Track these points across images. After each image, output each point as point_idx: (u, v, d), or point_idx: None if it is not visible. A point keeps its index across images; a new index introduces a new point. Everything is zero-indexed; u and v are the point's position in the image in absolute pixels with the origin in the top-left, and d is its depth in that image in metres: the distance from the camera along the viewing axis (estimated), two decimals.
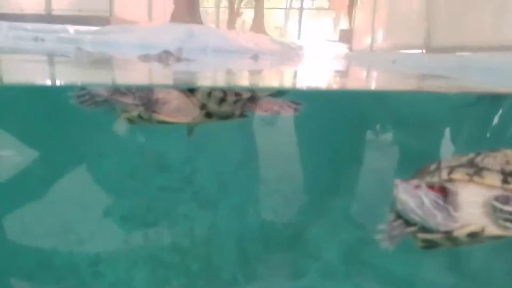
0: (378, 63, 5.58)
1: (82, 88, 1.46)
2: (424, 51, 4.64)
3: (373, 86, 3.03)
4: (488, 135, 2.53)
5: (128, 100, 1.44)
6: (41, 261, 2.53)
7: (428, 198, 1.28)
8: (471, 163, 1.36)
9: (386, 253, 2.42)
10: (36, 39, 3.82)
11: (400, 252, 2.46)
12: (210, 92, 1.47)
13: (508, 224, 1.26)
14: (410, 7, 5.87)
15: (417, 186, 1.29)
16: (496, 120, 2.49)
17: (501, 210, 1.26)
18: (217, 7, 13.30)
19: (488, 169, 1.33)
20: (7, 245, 2.44)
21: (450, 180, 1.34)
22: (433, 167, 1.46)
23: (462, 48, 3.79)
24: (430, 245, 1.39)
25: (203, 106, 1.50)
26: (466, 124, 2.50)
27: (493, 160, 1.37)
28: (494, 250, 2.42)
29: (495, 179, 1.31)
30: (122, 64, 3.40)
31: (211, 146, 2.67)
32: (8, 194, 2.43)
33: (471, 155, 1.41)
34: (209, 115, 1.52)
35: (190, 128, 1.83)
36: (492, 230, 1.29)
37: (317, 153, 2.63)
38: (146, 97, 1.43)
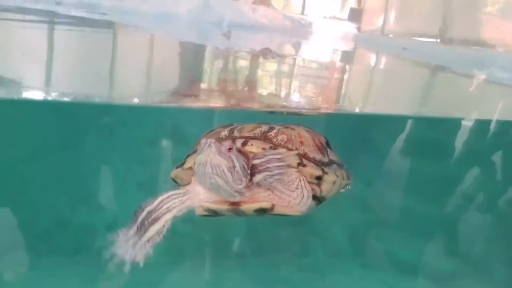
0: (388, 49, 5.58)
1: None
2: (438, 41, 4.64)
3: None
4: None
5: None
6: (59, 221, 2.63)
7: (239, 162, 1.19)
8: (264, 137, 1.30)
9: (391, 236, 2.56)
10: (56, 2, 3.77)
11: (404, 236, 2.60)
12: None
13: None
14: None
15: (230, 149, 1.19)
16: None
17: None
18: None
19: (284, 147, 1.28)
20: (28, 205, 2.53)
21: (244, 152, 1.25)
22: (224, 133, 1.37)
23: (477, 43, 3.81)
24: (212, 214, 1.30)
25: None
26: None
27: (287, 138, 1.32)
28: (493, 239, 2.53)
29: (293, 160, 1.25)
30: None
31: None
32: (31, 158, 2.50)
33: (264, 127, 1.35)
34: None
35: None
36: (280, 208, 1.25)
37: None
38: None
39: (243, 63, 3.01)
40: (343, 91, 2.48)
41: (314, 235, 2.59)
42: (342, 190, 1.51)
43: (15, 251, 2.31)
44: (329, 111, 1.99)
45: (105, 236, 2.69)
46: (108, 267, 1.27)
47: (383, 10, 7.66)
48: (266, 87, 2.44)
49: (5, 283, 2.18)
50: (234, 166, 1.18)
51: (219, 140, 1.31)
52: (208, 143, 1.14)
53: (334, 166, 1.41)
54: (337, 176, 1.38)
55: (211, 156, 1.14)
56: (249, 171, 1.23)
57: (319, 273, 2.55)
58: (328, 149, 1.46)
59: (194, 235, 2.76)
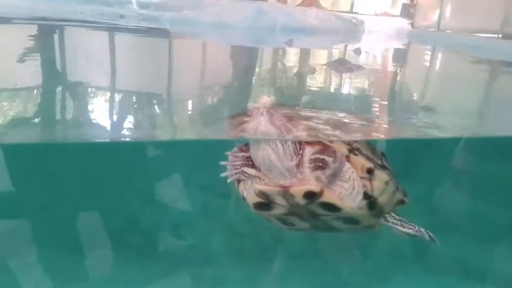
0: (448, 46, 5.38)
1: None
2: (499, 36, 4.44)
3: None
4: None
5: None
6: (129, 221, 2.79)
7: (290, 136, 1.18)
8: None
9: (456, 240, 2.49)
10: (121, 16, 3.98)
11: (470, 240, 2.52)
12: None
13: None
14: None
15: (281, 120, 1.18)
16: None
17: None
18: None
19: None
20: (101, 206, 2.71)
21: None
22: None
23: None
24: (264, 199, 1.30)
25: None
26: None
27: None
28: None
29: (342, 146, 1.27)
30: None
31: None
32: (106, 165, 2.68)
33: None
34: None
35: None
36: (329, 196, 1.24)
37: None
38: None
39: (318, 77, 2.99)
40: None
41: (376, 238, 2.57)
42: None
43: (93, 249, 2.49)
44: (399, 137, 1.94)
45: (170, 235, 2.82)
46: None
47: (437, 4, 7.32)
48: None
49: (84, 278, 2.36)
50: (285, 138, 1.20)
51: None
52: (261, 112, 1.15)
53: (388, 172, 1.41)
54: (391, 179, 1.38)
55: (262, 123, 1.14)
56: (300, 152, 1.24)
57: (380, 276, 2.53)
58: (383, 158, 1.46)
59: (254, 235, 2.83)
